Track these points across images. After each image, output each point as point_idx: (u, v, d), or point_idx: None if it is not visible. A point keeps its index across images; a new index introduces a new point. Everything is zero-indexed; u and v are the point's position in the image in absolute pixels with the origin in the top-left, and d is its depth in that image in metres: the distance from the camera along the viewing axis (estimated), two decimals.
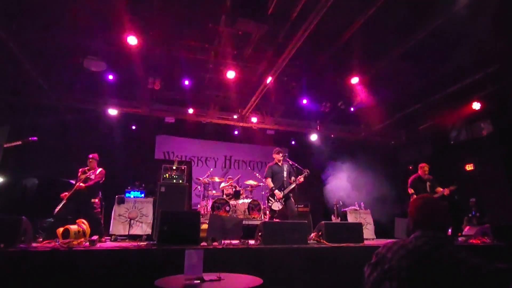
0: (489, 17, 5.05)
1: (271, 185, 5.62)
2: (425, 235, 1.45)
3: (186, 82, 7.61)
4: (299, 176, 5.56)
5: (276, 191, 5.51)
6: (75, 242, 3.64)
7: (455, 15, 5.17)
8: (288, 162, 5.86)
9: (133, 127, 9.15)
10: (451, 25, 5.44)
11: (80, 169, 5.27)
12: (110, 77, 7.15)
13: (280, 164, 5.76)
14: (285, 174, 5.64)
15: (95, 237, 3.94)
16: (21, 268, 2.97)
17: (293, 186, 5.56)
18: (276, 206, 5.50)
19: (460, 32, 5.70)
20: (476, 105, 7.45)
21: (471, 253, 1.34)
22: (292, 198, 5.61)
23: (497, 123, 7.82)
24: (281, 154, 5.76)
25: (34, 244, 3.70)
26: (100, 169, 5.30)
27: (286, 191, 5.52)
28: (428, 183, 5.92)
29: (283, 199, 5.51)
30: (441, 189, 5.82)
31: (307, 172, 5.59)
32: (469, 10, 4.98)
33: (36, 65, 6.49)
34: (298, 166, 5.96)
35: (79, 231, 4.26)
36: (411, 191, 5.88)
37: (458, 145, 9.03)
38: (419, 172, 6.08)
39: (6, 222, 3.49)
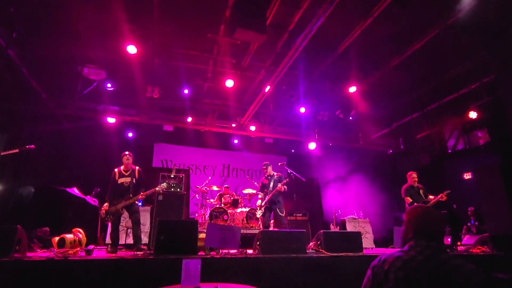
0: (484, 27, 5.14)
1: (260, 197, 5.96)
2: (419, 245, 1.48)
3: (186, 91, 7.64)
4: (279, 184, 5.49)
5: (258, 201, 5.89)
6: (70, 252, 3.59)
7: (451, 26, 5.27)
8: (277, 174, 5.79)
9: (129, 135, 9.12)
10: (447, 35, 5.54)
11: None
12: (109, 85, 7.16)
13: (269, 177, 5.82)
14: (271, 186, 5.68)
15: (91, 247, 3.89)
16: (16, 278, 2.91)
17: (270, 194, 5.56)
18: (259, 214, 5.90)
19: (456, 42, 5.80)
20: (473, 114, 7.52)
21: (464, 260, 1.37)
22: (278, 210, 5.52)
23: (494, 132, 7.87)
24: (269, 167, 5.83)
25: (29, 254, 3.64)
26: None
27: (266, 199, 5.65)
28: (421, 191, 5.90)
29: (264, 208, 5.70)
30: (432, 196, 5.79)
31: (287, 180, 5.57)
32: (464, 21, 5.08)
33: (35, 73, 6.50)
34: (297, 175, 5.99)
35: (74, 240, 4.22)
36: (408, 200, 5.84)
37: (455, 153, 9.07)
38: (408, 181, 6.04)
39: (0, 231, 3.44)
